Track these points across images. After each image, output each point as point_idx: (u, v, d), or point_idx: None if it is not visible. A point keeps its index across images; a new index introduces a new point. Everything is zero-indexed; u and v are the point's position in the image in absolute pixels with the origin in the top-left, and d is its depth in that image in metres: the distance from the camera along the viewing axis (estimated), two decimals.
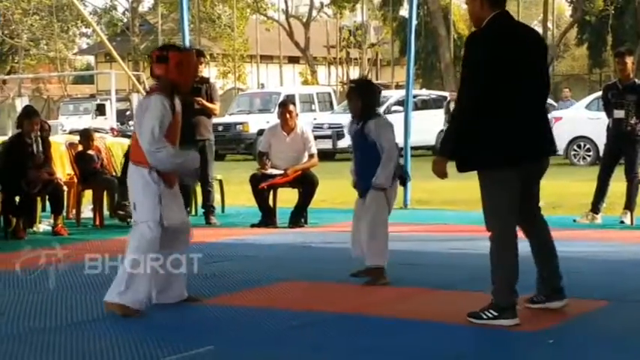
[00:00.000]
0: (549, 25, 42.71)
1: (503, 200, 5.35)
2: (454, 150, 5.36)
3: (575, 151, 20.28)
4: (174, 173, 5.96)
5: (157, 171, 5.79)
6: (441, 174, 5.44)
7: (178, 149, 5.93)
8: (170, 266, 5.92)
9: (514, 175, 5.31)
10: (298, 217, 10.19)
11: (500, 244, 5.40)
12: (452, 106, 26.32)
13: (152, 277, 5.77)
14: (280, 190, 10.40)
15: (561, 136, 20.26)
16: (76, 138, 11.42)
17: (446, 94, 28.68)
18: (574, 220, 10.16)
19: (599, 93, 14.09)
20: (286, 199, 10.55)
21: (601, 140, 11.30)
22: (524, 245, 5.65)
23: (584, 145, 20.09)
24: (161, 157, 5.74)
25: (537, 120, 5.41)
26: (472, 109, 5.22)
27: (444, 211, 11.61)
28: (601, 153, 11.88)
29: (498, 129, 5.23)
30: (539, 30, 47.18)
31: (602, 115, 10.74)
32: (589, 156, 19.94)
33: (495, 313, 5.32)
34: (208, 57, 32.59)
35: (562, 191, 13.39)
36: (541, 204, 5.18)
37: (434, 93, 29.33)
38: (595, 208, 10.14)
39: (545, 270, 5.66)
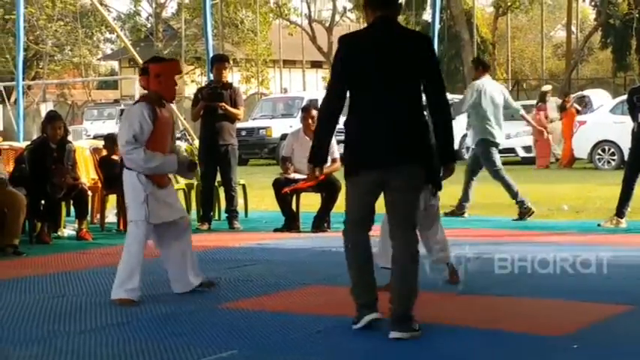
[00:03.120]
0: (573, 28, 42.53)
1: (348, 204, 5.34)
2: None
3: (600, 155, 20.17)
4: (159, 174, 6.43)
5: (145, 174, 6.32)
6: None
7: (160, 154, 6.36)
8: (179, 256, 6.52)
9: (360, 182, 5.25)
10: (321, 221, 10.20)
11: (344, 243, 5.37)
12: None
13: (139, 269, 6.31)
14: (303, 195, 10.41)
15: (586, 139, 20.25)
16: (101, 143, 11.48)
17: None
18: (598, 225, 10.10)
19: (624, 97, 14.01)
20: (309, 203, 10.56)
21: (626, 144, 11.26)
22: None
23: (609, 149, 19.98)
24: (133, 159, 6.32)
25: (388, 128, 5.13)
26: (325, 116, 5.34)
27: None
28: (625, 157, 11.83)
29: (347, 137, 5.26)
30: (563, 34, 47.08)
31: (627, 118, 10.68)
32: (613, 160, 19.82)
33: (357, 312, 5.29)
34: (232, 62, 32.69)
35: (586, 195, 13.35)
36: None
37: (457, 97, 29.21)
38: (620, 212, 10.09)
39: (391, 291, 5.28)
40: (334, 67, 5.38)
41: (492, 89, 11.14)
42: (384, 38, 5.23)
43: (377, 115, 5.16)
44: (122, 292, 6.30)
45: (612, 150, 19.87)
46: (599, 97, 24.23)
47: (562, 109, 22.00)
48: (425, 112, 5.37)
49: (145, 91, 6.56)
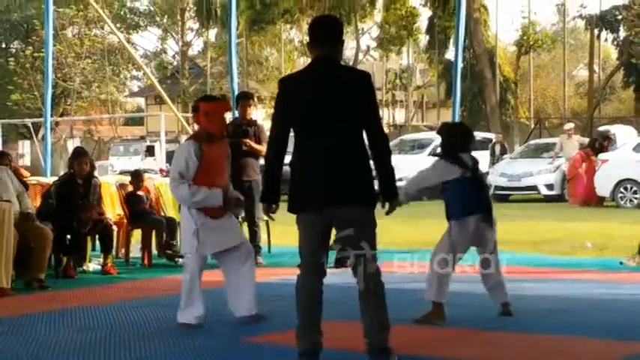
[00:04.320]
0: (595, 67, 42.53)
1: (300, 242, 5.39)
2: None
3: (622, 193, 20.09)
4: (211, 207, 6.69)
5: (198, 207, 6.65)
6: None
7: (205, 188, 6.64)
8: (248, 279, 6.88)
9: (304, 223, 5.30)
10: (344, 257, 10.21)
11: (297, 280, 5.39)
12: (497, 148, 26.41)
13: (198, 297, 6.69)
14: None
15: (608, 178, 20.18)
16: (127, 179, 11.61)
17: (491, 135, 28.63)
18: (620, 263, 10.09)
19: None
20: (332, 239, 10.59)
21: None
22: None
23: (631, 188, 19.92)
24: (179, 194, 6.72)
25: (326, 168, 5.15)
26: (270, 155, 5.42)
27: None
28: None
29: (291, 177, 5.33)
30: (585, 73, 47.03)
31: None
32: (636, 198, 19.77)
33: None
34: (256, 99, 32.93)
35: (609, 233, 13.31)
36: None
37: (479, 135, 29.30)
38: None
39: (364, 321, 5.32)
40: (275, 108, 5.41)
41: None
42: (322, 77, 5.22)
43: (316, 156, 5.18)
44: (183, 317, 6.71)
45: (635, 188, 19.81)
46: (625, 133, 24.07)
47: (592, 147, 21.86)
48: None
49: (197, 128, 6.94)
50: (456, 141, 7.00)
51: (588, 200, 20.57)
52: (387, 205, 5.36)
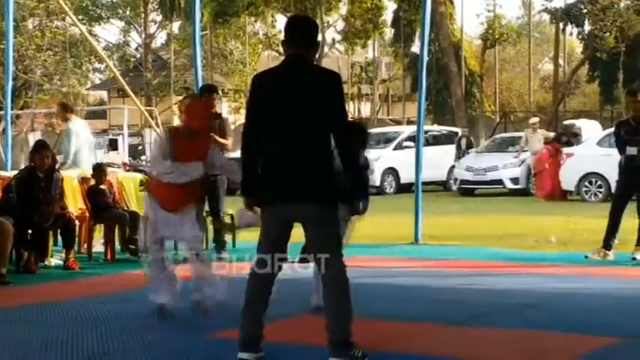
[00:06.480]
0: (560, 61, 42.85)
1: (261, 234, 5.47)
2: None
3: (587, 187, 20.20)
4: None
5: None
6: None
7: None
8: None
9: (268, 213, 5.37)
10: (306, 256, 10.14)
11: (251, 270, 5.46)
12: (463, 142, 26.50)
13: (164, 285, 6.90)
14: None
15: (573, 172, 20.31)
16: (89, 172, 11.46)
17: (457, 129, 28.74)
18: (585, 257, 10.12)
19: (611, 129, 14.10)
20: (300, 233, 10.53)
21: (612, 177, 11.30)
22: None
23: (596, 182, 20.04)
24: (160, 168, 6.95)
25: (287, 165, 5.22)
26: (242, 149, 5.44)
27: (453, 247, 11.58)
28: (612, 189, 11.86)
29: (260, 170, 5.36)
30: (550, 67, 47.35)
31: (614, 151, 10.74)
32: (600, 192, 19.87)
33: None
34: (220, 92, 32.78)
35: (573, 227, 13.38)
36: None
37: (445, 129, 29.42)
38: (607, 244, 10.11)
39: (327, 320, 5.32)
40: (247, 104, 5.53)
41: None
42: (291, 76, 5.31)
43: (281, 153, 5.25)
44: (151, 296, 6.90)
45: (599, 182, 19.93)
46: (590, 127, 24.26)
47: (558, 140, 22.02)
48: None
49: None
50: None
51: (554, 194, 20.69)
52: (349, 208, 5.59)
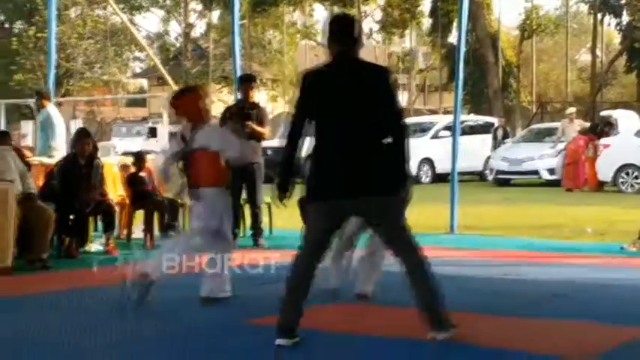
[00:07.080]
0: (598, 52, 42.47)
1: (308, 226, 5.60)
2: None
3: (623, 178, 20.09)
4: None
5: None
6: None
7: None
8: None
9: (316, 210, 5.48)
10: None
11: (292, 264, 5.54)
12: (499, 132, 26.40)
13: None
14: None
15: (609, 163, 20.18)
16: (129, 160, 11.62)
17: (493, 119, 28.63)
18: (621, 248, 10.11)
19: None
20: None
21: None
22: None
23: (633, 173, 19.92)
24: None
25: (344, 161, 5.34)
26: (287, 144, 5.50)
27: (489, 237, 11.61)
28: None
29: (310, 167, 5.46)
30: (588, 57, 46.93)
31: None
32: (637, 184, 19.77)
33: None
34: (259, 82, 32.89)
35: (610, 218, 13.34)
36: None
37: (481, 119, 29.29)
38: None
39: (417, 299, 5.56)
40: (297, 100, 5.58)
41: None
42: (341, 73, 5.43)
43: (335, 149, 5.36)
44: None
45: (636, 174, 19.81)
46: (627, 118, 23.95)
47: (593, 131, 21.88)
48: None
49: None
50: None
51: (588, 184, 20.60)
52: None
